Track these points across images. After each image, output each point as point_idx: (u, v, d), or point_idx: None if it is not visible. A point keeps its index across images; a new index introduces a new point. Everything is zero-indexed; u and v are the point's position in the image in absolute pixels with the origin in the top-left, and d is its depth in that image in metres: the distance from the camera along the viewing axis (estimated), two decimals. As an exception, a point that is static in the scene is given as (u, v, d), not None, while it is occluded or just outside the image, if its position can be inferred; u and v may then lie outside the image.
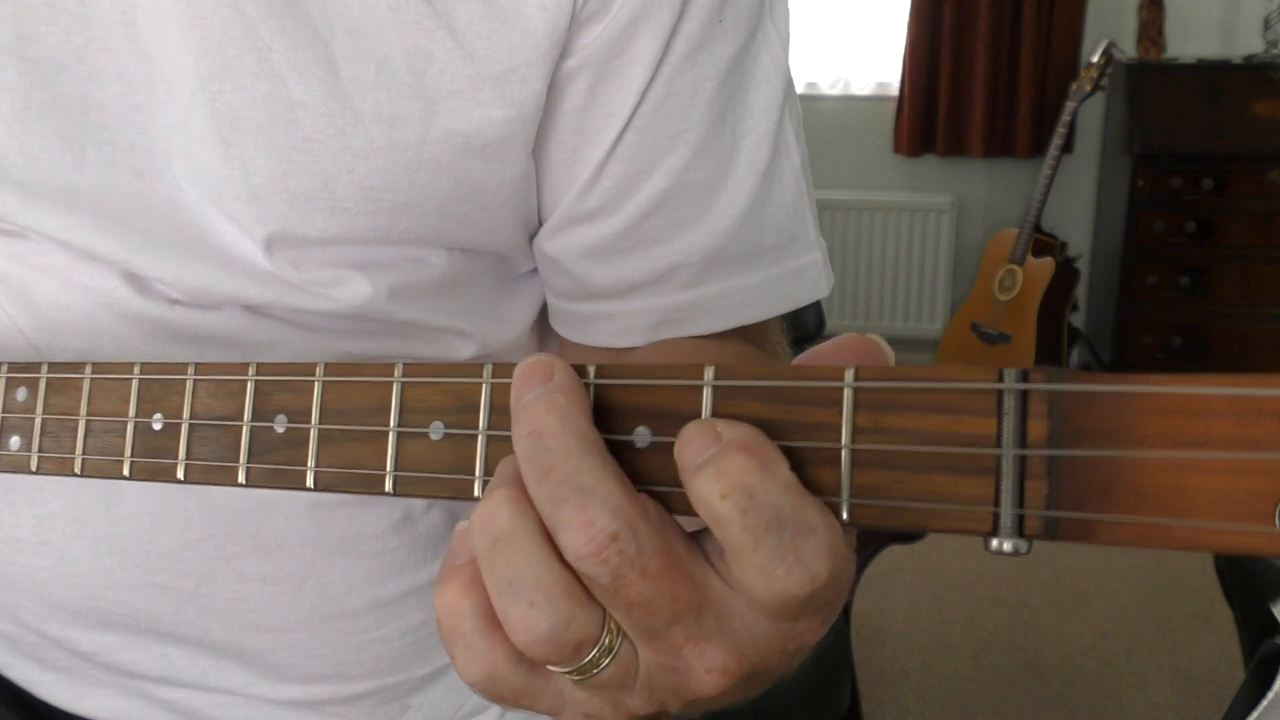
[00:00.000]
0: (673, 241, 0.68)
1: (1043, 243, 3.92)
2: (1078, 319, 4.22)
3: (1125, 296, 3.91)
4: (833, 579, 0.35)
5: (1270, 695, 0.28)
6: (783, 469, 0.34)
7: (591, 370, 0.39)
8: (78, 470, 0.53)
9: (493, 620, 0.39)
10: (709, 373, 0.36)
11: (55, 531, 0.68)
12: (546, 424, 0.37)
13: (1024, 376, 0.31)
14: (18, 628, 0.73)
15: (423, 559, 0.76)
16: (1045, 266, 3.88)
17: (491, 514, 0.38)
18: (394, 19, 0.60)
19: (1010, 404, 0.30)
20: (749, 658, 0.38)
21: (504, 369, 0.41)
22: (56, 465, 0.54)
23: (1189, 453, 0.27)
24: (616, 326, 0.71)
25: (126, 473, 0.51)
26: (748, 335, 0.72)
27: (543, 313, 0.77)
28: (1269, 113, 3.75)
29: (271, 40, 0.60)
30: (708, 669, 0.38)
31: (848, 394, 0.33)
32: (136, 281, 0.65)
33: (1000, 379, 0.31)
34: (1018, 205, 4.27)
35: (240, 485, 0.48)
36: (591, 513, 0.36)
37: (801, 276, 0.71)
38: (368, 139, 0.61)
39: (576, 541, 0.36)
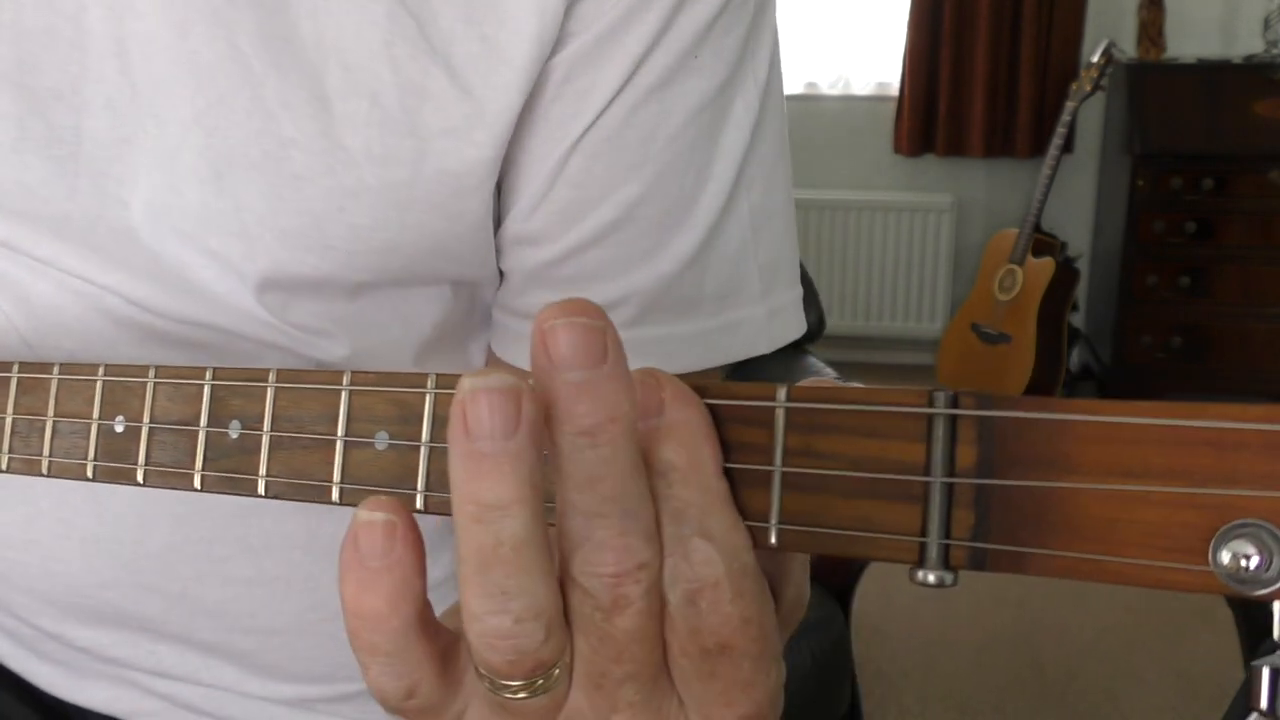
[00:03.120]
0: (616, 279, 0.65)
1: (1043, 243, 3.92)
2: (1078, 319, 4.22)
3: (1125, 296, 3.91)
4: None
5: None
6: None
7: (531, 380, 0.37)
8: (44, 471, 0.53)
9: (423, 632, 0.36)
10: None
11: (43, 531, 0.68)
12: (606, 432, 0.32)
13: (954, 400, 0.30)
14: (15, 621, 0.74)
15: None
16: (1045, 266, 3.87)
17: (504, 513, 0.33)
18: (388, 54, 0.59)
19: (939, 429, 0.29)
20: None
21: (448, 379, 0.40)
22: (25, 466, 0.54)
23: (1123, 484, 0.25)
24: None
25: (90, 475, 0.51)
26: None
27: None
28: (1269, 113, 3.74)
29: (264, 76, 0.59)
30: None
31: (780, 414, 0.32)
32: (128, 300, 0.65)
33: (930, 402, 0.30)
34: (1018, 205, 4.26)
35: (196, 490, 0.47)
36: (630, 539, 0.33)
37: (737, 330, 0.69)
38: (358, 177, 0.60)
39: (600, 560, 0.33)
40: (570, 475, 0.33)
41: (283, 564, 0.71)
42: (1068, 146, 3.97)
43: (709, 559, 0.33)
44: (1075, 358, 4.15)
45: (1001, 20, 4.13)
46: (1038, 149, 4.16)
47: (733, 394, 0.33)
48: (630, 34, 0.61)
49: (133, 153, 0.61)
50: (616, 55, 0.61)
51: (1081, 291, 4.25)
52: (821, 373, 2.58)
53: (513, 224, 0.65)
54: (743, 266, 0.68)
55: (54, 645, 0.74)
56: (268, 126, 0.59)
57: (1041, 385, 3.87)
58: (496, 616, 0.33)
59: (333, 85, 0.59)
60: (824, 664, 1.83)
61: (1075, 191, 4.30)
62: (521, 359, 0.70)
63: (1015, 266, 3.93)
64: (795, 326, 0.71)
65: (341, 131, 0.59)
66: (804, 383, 0.32)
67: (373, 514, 0.35)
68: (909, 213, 4.37)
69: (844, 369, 2.61)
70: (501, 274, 0.69)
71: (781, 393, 0.32)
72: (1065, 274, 3.91)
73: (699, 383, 0.33)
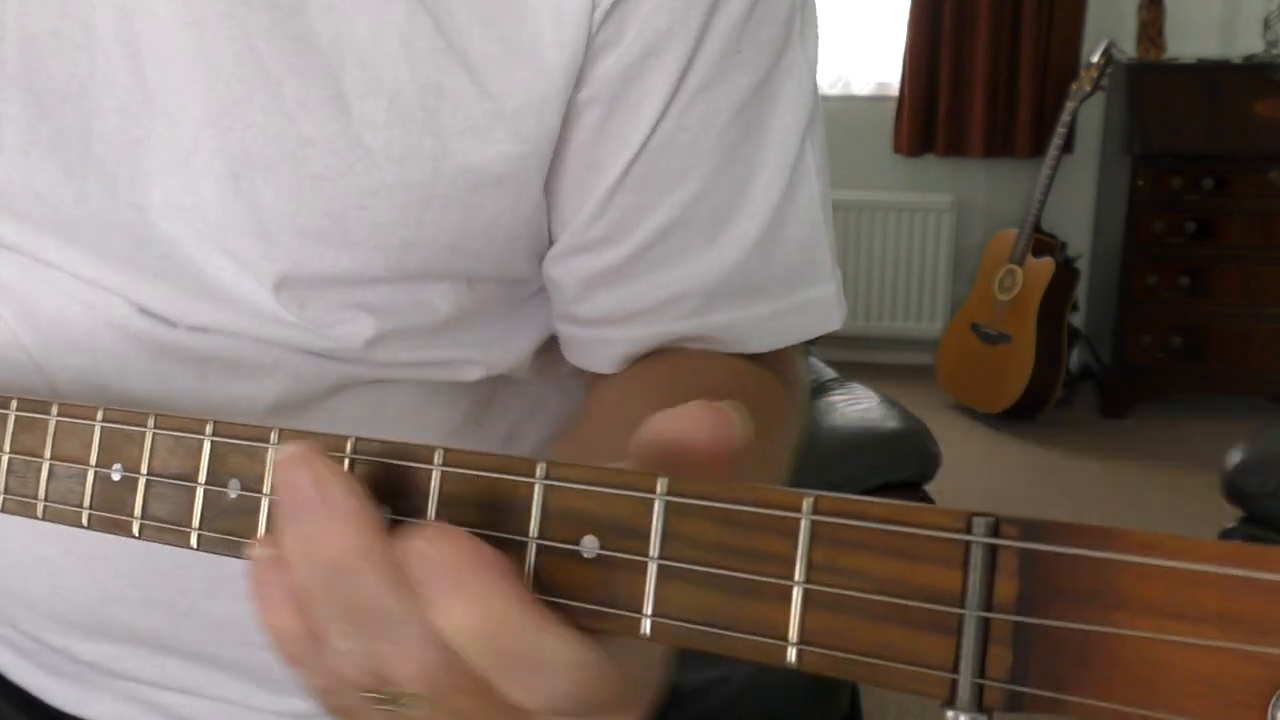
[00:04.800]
0: (676, 271, 0.66)
1: (1043, 243, 3.92)
2: (1078, 319, 4.21)
3: (1125, 296, 3.91)
4: (586, 704, 0.35)
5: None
6: (515, 612, 0.34)
7: (541, 469, 0.36)
8: (39, 515, 0.52)
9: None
10: (661, 485, 0.33)
11: (50, 546, 0.68)
12: (353, 567, 0.36)
13: (994, 527, 0.28)
14: (19, 634, 0.74)
15: None
16: (1045, 266, 3.87)
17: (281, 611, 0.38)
18: (407, 53, 0.59)
19: (977, 558, 0.28)
20: None
21: (456, 456, 0.39)
22: (20, 507, 0.53)
23: (1176, 632, 0.24)
24: (617, 353, 0.69)
25: (85, 523, 0.50)
26: (764, 360, 0.70)
27: (550, 339, 0.76)
28: (1269, 113, 3.74)
29: (282, 77, 0.59)
30: None
31: (804, 525, 0.30)
32: (139, 306, 0.64)
33: (968, 528, 0.28)
34: (1018, 205, 4.26)
35: (192, 549, 0.47)
36: (417, 651, 0.36)
37: (810, 310, 0.69)
38: (378, 176, 0.60)
39: (404, 672, 0.36)
40: (331, 605, 0.37)
41: None
42: (1068, 146, 3.97)
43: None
44: (1075, 358, 4.15)
45: (1001, 20, 4.12)
46: (1038, 149, 4.15)
47: (756, 500, 0.31)
48: (676, 39, 0.61)
49: (144, 154, 0.61)
50: (663, 63, 0.61)
51: (1081, 291, 4.25)
52: (822, 374, 2.57)
53: (573, 235, 0.66)
54: (813, 248, 0.69)
55: (59, 659, 0.74)
56: (286, 127, 0.59)
57: (1041, 385, 3.86)
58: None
59: (351, 85, 0.59)
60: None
61: (1075, 191, 4.30)
62: (590, 363, 0.70)
63: (1015, 266, 3.92)
64: (844, 306, 0.72)
65: (361, 131, 0.59)
66: (831, 495, 0.30)
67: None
68: (909, 213, 4.36)
69: (844, 369, 2.60)
70: (552, 282, 0.69)
71: (807, 503, 0.30)
72: (1065, 274, 3.91)
73: (726, 485, 0.32)
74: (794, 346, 0.71)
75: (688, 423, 0.36)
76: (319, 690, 0.40)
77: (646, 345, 0.68)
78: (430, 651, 0.36)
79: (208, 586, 0.69)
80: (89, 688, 0.75)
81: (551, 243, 0.68)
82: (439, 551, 0.34)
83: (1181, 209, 3.81)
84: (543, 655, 0.34)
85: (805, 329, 0.70)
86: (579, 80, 0.61)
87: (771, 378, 0.69)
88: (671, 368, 0.67)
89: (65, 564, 0.68)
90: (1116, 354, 3.97)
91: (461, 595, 0.34)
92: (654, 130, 0.63)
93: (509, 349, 0.72)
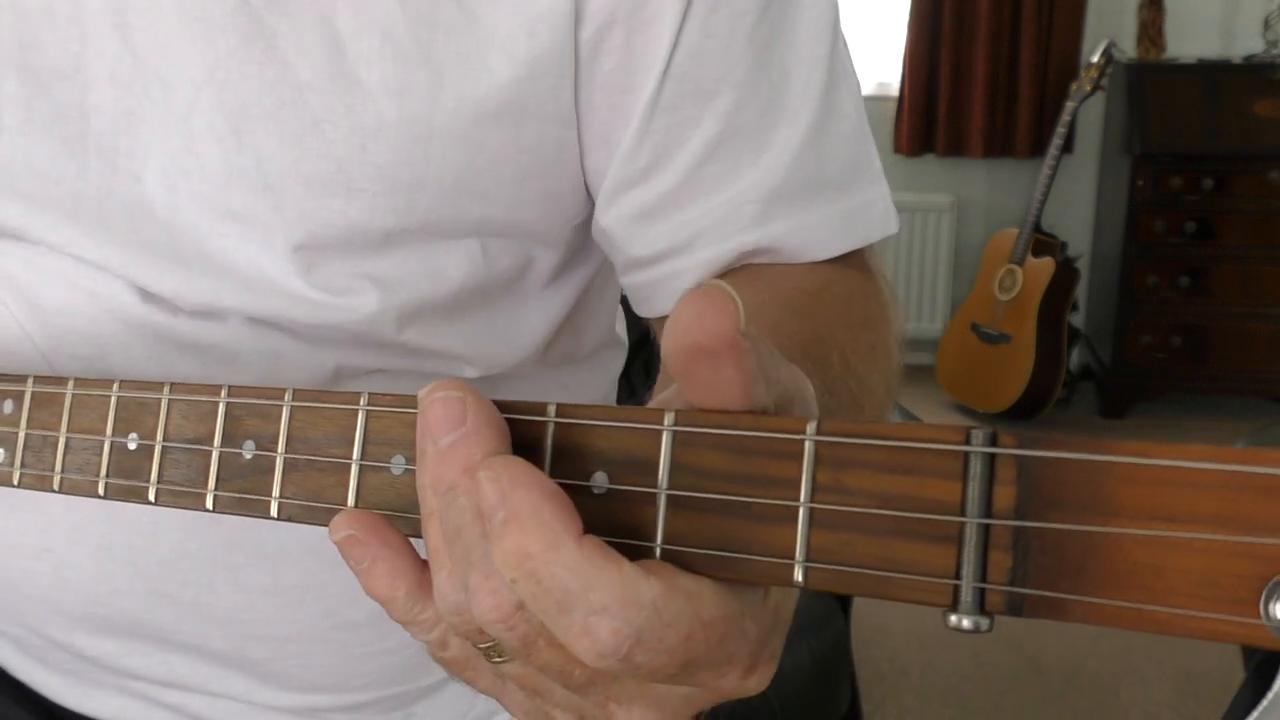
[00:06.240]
0: (732, 186, 0.65)
1: (1043, 243, 3.92)
2: (1078, 319, 4.21)
3: (1125, 296, 3.90)
4: (645, 646, 0.33)
5: (1270, 695, 0.27)
6: (568, 545, 0.33)
7: (552, 409, 0.37)
8: (56, 488, 0.53)
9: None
10: (669, 418, 0.34)
11: (57, 538, 0.68)
12: (461, 485, 0.36)
13: (992, 438, 0.28)
14: (23, 630, 0.74)
15: None
16: (1045, 266, 3.87)
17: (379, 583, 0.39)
18: None
19: (976, 468, 0.28)
20: (680, 712, 0.37)
21: None
22: (37, 481, 0.54)
23: (1170, 530, 0.24)
24: (688, 284, 0.67)
25: (101, 492, 0.51)
26: (838, 264, 0.69)
27: (555, 334, 0.75)
28: (1269, 113, 3.74)
29: (276, 24, 0.59)
30: None
31: (808, 447, 0.31)
32: (142, 290, 0.64)
33: (967, 440, 0.29)
34: (1018, 205, 4.26)
35: (208, 511, 0.48)
36: (497, 581, 0.35)
37: (869, 210, 0.69)
38: (377, 114, 0.60)
39: (482, 608, 0.36)
40: (439, 532, 0.37)
41: (296, 571, 0.71)
42: (1068, 146, 3.97)
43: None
44: (1075, 358, 4.15)
45: (1001, 20, 4.12)
46: (1038, 149, 4.15)
47: (760, 426, 0.32)
48: None
49: (139, 123, 0.61)
50: None
51: (1081, 291, 4.25)
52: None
53: (620, 168, 0.65)
54: (861, 145, 0.69)
55: (63, 655, 0.74)
56: (284, 74, 0.60)
57: (1041, 385, 3.86)
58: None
59: (344, 25, 0.60)
60: (824, 663, 1.82)
61: (1075, 191, 4.30)
62: (665, 304, 0.69)
63: (1015, 266, 3.92)
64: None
65: (356, 69, 0.60)
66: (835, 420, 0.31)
67: (338, 533, 0.40)
68: (909, 213, 4.36)
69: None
70: (605, 234, 0.69)
71: (811, 426, 0.31)
72: (1065, 274, 3.91)
73: (730, 415, 0.32)
74: (864, 250, 0.71)
75: (683, 329, 0.33)
76: (431, 644, 0.41)
77: (716, 268, 0.67)
78: (501, 585, 0.36)
79: (211, 579, 0.69)
80: (93, 684, 0.75)
81: (595, 190, 0.68)
82: (498, 483, 0.34)
83: (1181, 209, 3.81)
84: (593, 592, 0.33)
85: (868, 230, 0.69)
86: (580, 10, 0.61)
87: (852, 274, 0.69)
88: (749, 279, 0.66)
89: (71, 556, 0.68)
90: (1116, 354, 3.97)
91: (511, 523, 0.33)
92: (677, 42, 0.63)
93: (507, 346, 0.72)
